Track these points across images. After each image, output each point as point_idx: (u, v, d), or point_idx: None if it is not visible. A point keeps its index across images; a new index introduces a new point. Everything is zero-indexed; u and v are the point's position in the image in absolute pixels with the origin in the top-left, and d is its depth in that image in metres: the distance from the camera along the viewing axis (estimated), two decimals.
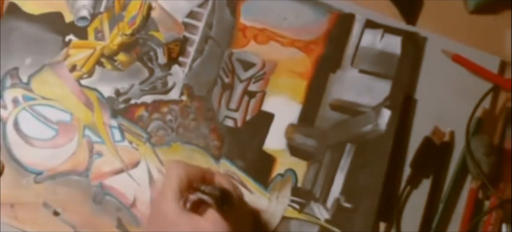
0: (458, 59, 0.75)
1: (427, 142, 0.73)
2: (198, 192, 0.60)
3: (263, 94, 0.74)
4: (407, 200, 0.72)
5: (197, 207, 0.60)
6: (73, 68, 0.75)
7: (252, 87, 0.75)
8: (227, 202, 0.59)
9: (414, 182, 0.72)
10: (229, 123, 0.73)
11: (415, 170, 0.72)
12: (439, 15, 0.77)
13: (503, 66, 0.76)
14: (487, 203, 0.72)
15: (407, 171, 0.73)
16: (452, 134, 0.74)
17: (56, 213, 0.70)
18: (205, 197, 0.59)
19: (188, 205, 0.60)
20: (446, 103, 0.74)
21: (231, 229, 0.59)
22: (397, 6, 0.77)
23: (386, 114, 0.73)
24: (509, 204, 0.70)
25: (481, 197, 0.72)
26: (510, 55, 0.76)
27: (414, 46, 0.76)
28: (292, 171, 0.72)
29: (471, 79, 0.75)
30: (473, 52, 0.75)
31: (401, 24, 0.77)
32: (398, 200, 0.71)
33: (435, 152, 0.73)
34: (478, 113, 0.73)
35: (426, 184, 0.72)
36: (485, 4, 0.77)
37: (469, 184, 0.72)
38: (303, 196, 0.71)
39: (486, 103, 0.74)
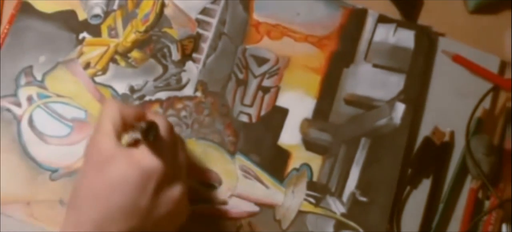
0: (458, 59, 0.75)
1: (427, 142, 0.73)
2: (130, 130, 0.59)
3: (277, 89, 0.74)
4: (407, 200, 0.72)
5: (133, 145, 0.59)
6: (87, 66, 0.75)
7: (266, 83, 0.75)
8: (153, 133, 0.58)
9: (414, 182, 0.72)
10: (244, 118, 0.73)
11: (415, 170, 0.72)
12: (439, 15, 0.78)
13: (503, 66, 0.76)
14: (487, 203, 0.72)
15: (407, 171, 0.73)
16: (452, 134, 0.74)
17: None
18: (135, 133, 0.59)
19: (123, 142, 0.59)
20: (446, 103, 0.75)
21: (162, 160, 0.58)
22: (397, 6, 0.78)
23: (400, 108, 0.73)
24: (509, 204, 0.70)
25: (481, 197, 0.72)
26: (510, 55, 0.76)
27: (427, 40, 0.76)
28: (307, 165, 0.72)
29: (471, 79, 0.75)
30: (473, 52, 0.76)
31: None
32: (398, 200, 0.71)
33: (435, 152, 0.73)
34: (478, 113, 0.73)
35: (426, 184, 0.72)
36: (485, 4, 0.77)
37: (469, 184, 0.72)
38: (318, 190, 0.71)
39: (486, 103, 0.74)
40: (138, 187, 0.57)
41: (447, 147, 0.73)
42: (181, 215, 0.62)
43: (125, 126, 0.60)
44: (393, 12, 0.78)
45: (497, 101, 0.75)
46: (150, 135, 0.57)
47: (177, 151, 0.62)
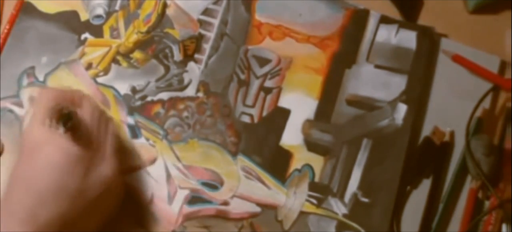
0: (458, 59, 0.75)
1: (427, 142, 0.73)
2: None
3: (279, 90, 0.74)
4: (407, 200, 0.72)
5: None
6: (89, 66, 0.75)
7: (268, 83, 0.75)
8: (71, 121, 0.60)
9: (414, 182, 0.72)
10: (246, 119, 0.73)
11: (415, 170, 0.72)
12: (439, 15, 0.77)
13: (503, 66, 0.76)
14: (487, 203, 0.72)
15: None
16: (452, 134, 0.74)
17: None
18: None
19: (59, 129, 0.60)
20: (446, 103, 0.75)
21: (87, 143, 0.60)
22: (397, 6, 0.78)
23: (402, 108, 0.73)
24: (509, 204, 0.70)
25: (481, 197, 0.72)
26: (510, 55, 0.76)
27: (429, 41, 0.75)
28: (309, 166, 0.72)
29: (471, 79, 0.75)
30: (473, 52, 0.75)
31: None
32: (398, 200, 0.71)
33: (435, 152, 0.73)
34: (478, 113, 0.73)
35: (426, 184, 0.72)
36: (485, 4, 0.77)
37: (469, 184, 0.72)
38: (320, 191, 0.71)
39: (486, 103, 0.74)
40: (65, 170, 0.59)
41: (447, 147, 0.73)
42: (114, 198, 0.64)
43: (59, 111, 0.61)
44: (393, 13, 0.77)
45: (497, 101, 0.75)
46: (69, 122, 0.59)
47: (103, 133, 0.63)
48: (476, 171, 0.70)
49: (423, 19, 0.77)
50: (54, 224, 0.58)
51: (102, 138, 0.63)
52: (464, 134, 0.72)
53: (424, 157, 0.72)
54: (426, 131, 0.74)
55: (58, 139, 0.59)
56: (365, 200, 0.71)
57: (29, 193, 0.58)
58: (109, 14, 0.76)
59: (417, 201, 0.71)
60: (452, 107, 0.74)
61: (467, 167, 0.72)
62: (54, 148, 0.59)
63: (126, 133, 0.73)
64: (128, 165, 0.70)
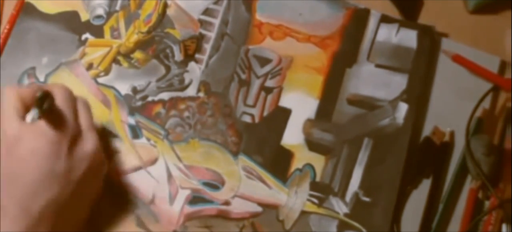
0: (458, 59, 0.75)
1: (427, 142, 0.73)
2: (30, 108, 0.61)
3: (280, 89, 0.74)
4: (407, 200, 0.72)
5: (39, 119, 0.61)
6: (89, 67, 0.75)
7: (269, 83, 0.75)
8: (48, 102, 0.60)
9: (414, 182, 0.72)
10: (247, 119, 0.73)
11: (415, 170, 0.72)
12: (439, 15, 0.77)
13: (503, 66, 0.76)
14: (487, 203, 0.72)
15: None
16: (452, 134, 0.74)
17: None
18: (34, 108, 0.60)
19: (29, 120, 0.61)
20: (446, 103, 0.74)
21: (65, 122, 0.61)
22: (397, 6, 0.78)
23: (403, 107, 0.73)
24: (509, 204, 0.70)
25: (481, 197, 0.72)
26: (510, 55, 0.76)
27: (429, 40, 0.75)
28: (310, 166, 0.72)
29: (471, 79, 0.75)
30: (473, 52, 0.75)
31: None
32: (398, 200, 0.71)
33: (435, 152, 0.73)
34: (478, 113, 0.73)
35: (426, 184, 0.72)
36: (485, 4, 0.77)
37: (469, 184, 0.72)
38: (321, 190, 0.71)
39: (486, 103, 0.74)
40: (49, 155, 0.59)
41: (447, 147, 0.73)
42: (100, 166, 0.65)
43: (25, 106, 0.61)
44: (394, 13, 0.77)
45: (497, 101, 0.75)
46: (45, 103, 0.59)
47: (78, 111, 0.64)
48: (476, 171, 0.70)
49: (423, 19, 0.77)
50: (47, 212, 0.58)
51: (77, 115, 0.64)
52: (464, 134, 0.72)
53: (424, 157, 0.72)
54: (426, 131, 0.74)
55: (34, 128, 0.60)
56: (366, 199, 0.71)
57: (17, 188, 0.58)
58: (109, 14, 0.76)
59: (417, 201, 0.71)
60: (452, 107, 0.74)
61: (467, 167, 0.72)
62: (32, 136, 0.59)
63: (127, 134, 0.72)
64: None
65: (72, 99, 0.64)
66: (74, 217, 0.63)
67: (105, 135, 0.72)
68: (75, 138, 0.62)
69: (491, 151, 0.71)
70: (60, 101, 0.62)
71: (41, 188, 0.59)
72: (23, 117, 0.61)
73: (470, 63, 0.75)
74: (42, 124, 0.60)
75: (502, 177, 0.72)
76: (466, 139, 0.72)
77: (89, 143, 0.63)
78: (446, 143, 0.73)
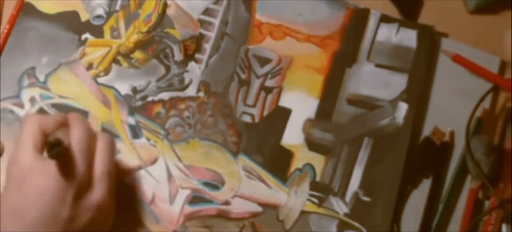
0: (458, 59, 0.75)
1: (427, 142, 0.73)
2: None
3: (280, 89, 0.74)
4: (407, 200, 0.72)
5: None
6: (89, 67, 0.75)
7: (269, 83, 0.75)
8: (56, 150, 0.58)
9: (414, 182, 0.72)
10: (247, 119, 0.73)
11: (415, 170, 0.72)
12: (439, 15, 0.77)
13: (503, 66, 0.76)
14: (487, 203, 0.72)
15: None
16: (452, 134, 0.74)
17: None
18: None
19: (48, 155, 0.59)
20: (446, 103, 0.74)
21: (76, 169, 0.59)
22: (397, 6, 0.78)
23: (403, 107, 0.73)
24: (509, 204, 0.70)
25: (481, 197, 0.72)
26: (510, 55, 0.76)
27: (429, 40, 0.75)
28: (310, 165, 0.72)
29: (471, 79, 0.75)
30: (473, 52, 0.75)
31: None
32: (398, 200, 0.71)
33: (435, 152, 0.73)
34: (478, 113, 0.73)
35: (426, 184, 0.72)
36: (485, 4, 0.77)
37: (469, 184, 0.72)
38: (321, 190, 0.71)
39: (486, 103, 0.74)
40: (55, 198, 0.58)
41: (447, 147, 0.73)
42: (105, 220, 0.63)
43: (45, 137, 0.60)
44: (394, 13, 0.77)
45: (497, 101, 0.75)
46: (54, 149, 0.57)
47: (96, 153, 0.62)
48: (476, 171, 0.70)
49: (423, 19, 0.77)
50: None
51: (92, 162, 0.61)
52: (464, 134, 0.72)
53: (424, 157, 0.72)
54: (426, 131, 0.74)
55: (46, 167, 0.58)
56: (366, 199, 0.71)
57: (19, 222, 0.58)
58: (109, 14, 0.76)
59: (417, 201, 0.71)
60: (452, 107, 0.74)
61: (467, 167, 0.72)
62: (42, 176, 0.58)
63: (127, 134, 0.72)
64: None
65: (91, 141, 0.62)
66: None
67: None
68: (84, 186, 0.60)
69: (491, 151, 0.71)
70: (76, 144, 0.60)
71: (41, 230, 0.58)
72: (40, 149, 0.60)
73: (470, 63, 0.75)
74: (53, 165, 0.58)
75: (502, 177, 0.72)
76: (466, 139, 0.72)
77: (98, 194, 0.61)
78: (446, 143, 0.73)
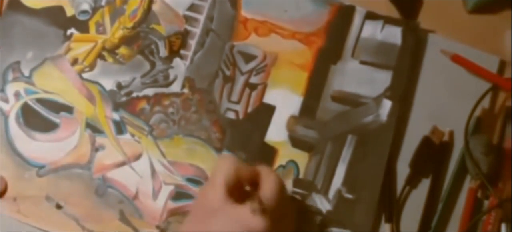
0: (457, 59, 0.75)
1: (426, 142, 0.73)
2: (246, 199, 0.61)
3: (264, 86, 0.74)
4: (406, 200, 0.72)
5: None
6: (74, 62, 0.75)
7: (253, 80, 0.75)
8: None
9: (413, 182, 0.72)
10: (231, 115, 0.74)
11: (414, 169, 0.72)
12: (438, 15, 0.77)
13: (502, 65, 0.76)
14: (486, 203, 0.72)
15: (406, 170, 0.73)
16: (451, 133, 0.74)
17: (59, 206, 0.71)
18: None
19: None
20: (445, 103, 0.74)
21: (268, 223, 0.59)
22: (396, 6, 0.77)
23: (387, 104, 0.73)
24: (509, 203, 0.70)
25: (480, 196, 0.72)
26: (510, 55, 0.76)
27: (414, 36, 0.75)
28: (293, 162, 0.72)
29: (470, 78, 0.75)
30: (472, 51, 0.75)
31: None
32: (398, 200, 0.71)
33: (434, 151, 0.73)
34: (477, 112, 0.73)
35: (425, 184, 0.72)
36: (484, 3, 0.77)
37: (468, 184, 0.72)
38: (304, 187, 0.72)
39: (485, 103, 0.74)
40: None
41: (446, 146, 0.73)
42: None
43: (238, 183, 0.61)
44: (393, 13, 0.77)
45: (496, 101, 0.75)
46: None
47: (283, 213, 0.63)
48: (475, 171, 0.70)
49: (423, 19, 0.77)
50: None
51: (281, 218, 0.62)
52: (463, 133, 0.72)
53: (424, 157, 0.72)
54: (425, 130, 0.73)
55: (234, 211, 0.59)
56: (349, 196, 0.71)
57: None
58: (95, 9, 0.76)
59: (416, 200, 0.72)
60: (451, 106, 0.74)
61: (466, 166, 0.72)
62: (229, 219, 0.59)
63: (111, 129, 0.73)
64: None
65: (282, 198, 0.63)
66: None
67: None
68: None
69: (490, 151, 0.71)
70: (268, 194, 0.61)
71: None
72: (230, 193, 0.60)
73: (469, 63, 0.75)
74: (244, 212, 0.59)
75: (501, 176, 0.72)
76: (465, 138, 0.72)
77: None
78: (445, 142, 0.73)
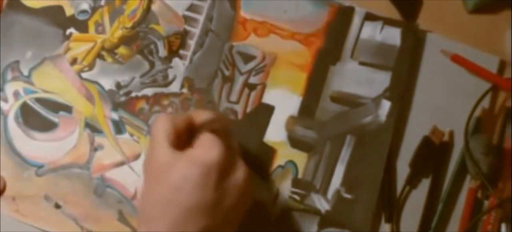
0: (457, 59, 0.75)
1: (426, 142, 0.73)
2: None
3: (264, 86, 0.75)
4: (406, 200, 0.72)
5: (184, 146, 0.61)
6: (74, 61, 0.75)
7: (253, 80, 0.75)
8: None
9: (413, 182, 0.72)
10: (230, 115, 0.74)
11: (414, 169, 0.72)
12: (438, 15, 0.77)
13: (502, 65, 0.76)
14: (486, 203, 0.72)
15: (406, 170, 0.73)
16: (451, 133, 0.74)
17: (57, 206, 0.71)
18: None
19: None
20: (445, 103, 0.75)
21: (218, 150, 0.59)
22: (396, 6, 0.78)
23: (386, 105, 0.74)
24: (508, 203, 0.70)
25: (480, 196, 0.72)
26: (510, 55, 0.76)
27: (413, 37, 0.76)
28: (292, 162, 0.72)
29: (470, 78, 0.75)
30: (472, 51, 0.75)
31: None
32: (398, 200, 0.72)
33: (434, 151, 0.73)
34: (477, 112, 0.73)
35: (425, 184, 0.72)
36: (484, 4, 0.77)
37: (468, 184, 0.72)
38: (303, 187, 0.72)
39: (485, 103, 0.74)
40: (200, 184, 0.58)
41: (446, 146, 0.73)
42: (247, 199, 0.63)
43: (178, 135, 0.60)
44: (393, 13, 0.77)
45: (496, 101, 0.75)
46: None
47: (230, 138, 0.63)
48: (475, 171, 0.70)
49: (423, 19, 0.77)
50: None
51: (229, 143, 0.62)
52: (463, 133, 0.72)
53: (424, 157, 0.72)
54: (425, 130, 0.74)
55: (185, 157, 0.59)
56: (348, 196, 0.71)
57: (167, 214, 0.58)
58: (94, 9, 0.76)
59: (416, 200, 0.72)
60: (451, 106, 0.74)
61: (466, 166, 0.72)
62: (185, 166, 0.58)
63: (110, 129, 0.72)
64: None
65: (225, 125, 0.64)
66: None
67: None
68: (225, 167, 0.60)
69: (490, 151, 0.71)
70: (215, 127, 0.62)
71: (190, 218, 0.58)
72: (175, 145, 0.60)
73: (469, 63, 0.75)
74: (195, 151, 0.59)
75: (501, 176, 0.72)
76: (465, 138, 0.72)
77: (239, 174, 0.60)
78: (445, 142, 0.73)
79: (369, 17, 0.76)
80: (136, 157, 0.72)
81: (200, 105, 0.74)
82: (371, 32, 0.76)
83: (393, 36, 0.76)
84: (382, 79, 0.75)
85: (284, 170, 0.72)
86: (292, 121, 0.73)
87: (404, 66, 0.75)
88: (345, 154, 0.72)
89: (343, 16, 0.76)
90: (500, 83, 0.75)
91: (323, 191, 0.71)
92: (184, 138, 0.61)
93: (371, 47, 0.76)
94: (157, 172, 0.59)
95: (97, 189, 0.71)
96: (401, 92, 0.74)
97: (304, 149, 0.73)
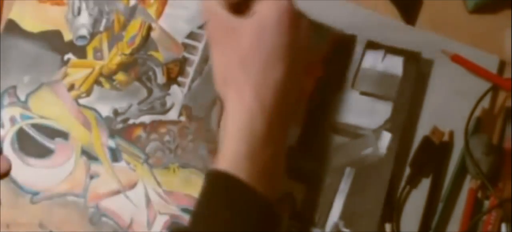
0: (457, 59, 0.75)
1: (426, 142, 0.72)
2: None
3: None
4: (406, 200, 0.71)
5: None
6: (71, 87, 0.74)
7: None
8: None
9: (413, 182, 0.72)
10: None
11: (414, 169, 0.72)
12: (438, 15, 0.77)
13: (502, 65, 0.76)
14: (486, 203, 0.72)
15: (406, 171, 0.72)
16: (451, 133, 0.73)
17: None
18: None
19: None
20: (445, 103, 0.74)
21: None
22: (396, 6, 0.77)
23: (386, 137, 0.72)
24: (509, 203, 0.70)
25: (481, 196, 0.71)
26: (510, 55, 0.75)
27: (416, 66, 0.74)
28: (290, 194, 0.71)
29: (470, 78, 0.75)
30: (472, 51, 0.75)
31: (404, 44, 0.76)
32: (398, 200, 0.71)
33: (434, 151, 0.72)
34: (477, 112, 0.73)
35: (425, 184, 0.72)
36: (484, 3, 0.76)
37: (469, 184, 0.72)
38: (301, 220, 0.71)
39: (485, 103, 0.74)
40: (278, 25, 0.62)
41: (447, 146, 0.73)
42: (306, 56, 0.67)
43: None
44: (393, 13, 0.77)
45: (496, 101, 0.75)
46: None
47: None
48: (476, 171, 0.70)
49: (423, 19, 0.77)
50: (281, 83, 0.62)
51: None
52: (464, 133, 0.72)
53: (424, 157, 0.72)
54: (425, 130, 0.73)
55: (252, 18, 0.62)
56: (347, 230, 0.70)
57: (256, 64, 0.61)
58: (93, 35, 0.76)
59: (416, 200, 0.71)
60: (451, 106, 0.74)
61: (466, 166, 0.71)
62: (252, 24, 0.62)
63: (107, 157, 0.72)
64: None
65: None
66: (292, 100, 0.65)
67: None
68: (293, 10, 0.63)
69: (490, 151, 0.70)
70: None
71: (274, 62, 0.62)
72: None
73: (469, 63, 0.74)
74: (258, 13, 0.63)
75: (502, 176, 0.71)
76: (465, 138, 0.71)
77: (304, 19, 0.66)
78: (445, 142, 0.73)
79: (371, 45, 0.75)
80: (132, 185, 0.71)
81: (198, 134, 0.73)
82: (373, 61, 0.75)
83: (395, 65, 0.75)
84: (383, 110, 0.74)
85: (282, 202, 0.71)
86: (290, 152, 0.72)
87: (406, 96, 0.74)
88: (344, 186, 0.71)
89: (345, 45, 0.76)
90: (500, 83, 0.74)
91: (322, 225, 0.70)
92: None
93: (372, 76, 0.75)
94: (222, 32, 0.63)
95: (93, 218, 0.71)
96: (403, 123, 0.73)
97: (303, 181, 0.72)
